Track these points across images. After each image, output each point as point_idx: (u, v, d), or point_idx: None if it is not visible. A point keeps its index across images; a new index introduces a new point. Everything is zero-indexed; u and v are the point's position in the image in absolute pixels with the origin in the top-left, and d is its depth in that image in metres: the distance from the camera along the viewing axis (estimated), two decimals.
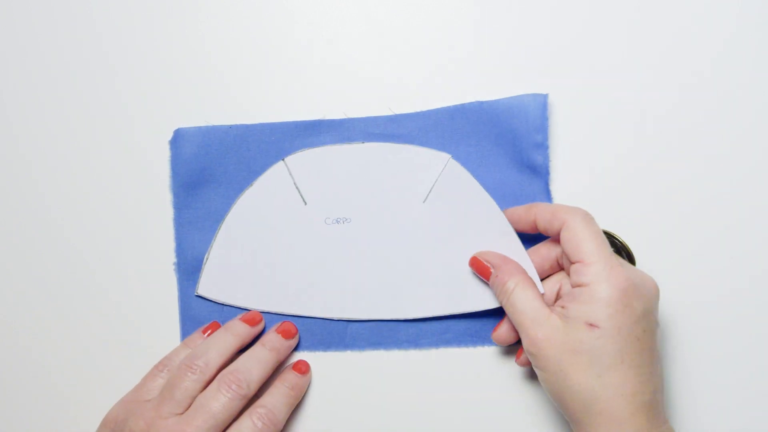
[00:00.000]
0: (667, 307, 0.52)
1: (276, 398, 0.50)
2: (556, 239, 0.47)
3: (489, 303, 0.51)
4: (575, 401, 0.44)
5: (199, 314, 0.53)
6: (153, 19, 0.55)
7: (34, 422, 0.54)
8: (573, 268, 0.45)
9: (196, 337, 0.52)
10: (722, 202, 0.52)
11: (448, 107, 0.53)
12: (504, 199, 0.52)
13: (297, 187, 0.53)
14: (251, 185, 0.53)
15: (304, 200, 0.53)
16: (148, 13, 0.55)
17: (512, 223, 0.50)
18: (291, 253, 0.53)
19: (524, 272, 0.48)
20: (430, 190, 0.52)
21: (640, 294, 0.44)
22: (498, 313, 0.51)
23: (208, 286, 0.53)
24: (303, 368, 0.52)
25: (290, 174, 0.53)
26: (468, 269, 0.52)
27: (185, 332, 0.54)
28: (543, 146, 0.51)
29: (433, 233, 0.52)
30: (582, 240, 0.45)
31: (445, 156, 0.52)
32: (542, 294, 0.48)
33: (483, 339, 0.52)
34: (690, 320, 0.52)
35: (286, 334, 0.52)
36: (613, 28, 0.53)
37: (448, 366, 0.53)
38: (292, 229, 0.53)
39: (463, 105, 0.52)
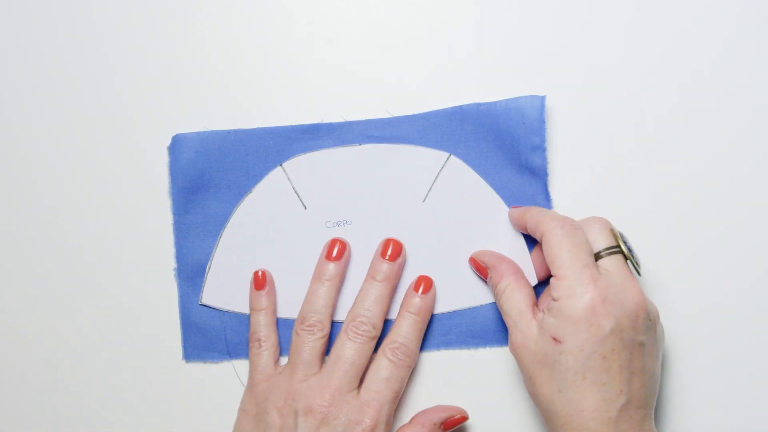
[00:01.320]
0: (667, 307, 0.52)
1: (404, 329, 0.51)
2: None
3: (492, 296, 0.51)
4: (541, 410, 0.46)
5: (200, 319, 0.54)
6: (150, 21, 0.55)
7: (35, 427, 0.55)
8: (551, 281, 0.45)
9: (256, 296, 0.52)
10: (722, 202, 0.52)
11: (446, 109, 0.52)
12: (504, 200, 0.52)
13: (296, 192, 0.53)
14: (250, 192, 0.53)
15: (303, 205, 0.53)
16: (145, 15, 0.55)
17: (512, 222, 0.51)
18: (293, 258, 0.53)
19: (518, 272, 0.49)
20: (430, 189, 0.52)
21: (610, 312, 0.43)
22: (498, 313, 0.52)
23: (211, 294, 0.53)
24: (425, 287, 0.52)
25: (288, 179, 0.53)
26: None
27: (186, 336, 0.54)
28: (541, 148, 0.51)
29: (434, 232, 0.52)
30: (555, 255, 0.45)
31: (444, 154, 0.52)
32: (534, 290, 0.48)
33: (484, 341, 0.53)
34: (690, 320, 0.52)
35: (394, 255, 0.52)
36: (613, 28, 0.53)
37: (448, 368, 0.53)
38: (293, 234, 0.53)
39: (461, 107, 0.52)
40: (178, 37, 0.54)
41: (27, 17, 0.55)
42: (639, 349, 0.44)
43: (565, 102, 0.53)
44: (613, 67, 0.53)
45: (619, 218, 0.51)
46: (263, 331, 0.52)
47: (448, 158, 0.52)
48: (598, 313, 0.43)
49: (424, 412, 0.51)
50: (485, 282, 0.52)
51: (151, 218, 0.54)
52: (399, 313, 0.51)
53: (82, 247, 0.55)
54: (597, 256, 0.46)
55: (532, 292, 0.48)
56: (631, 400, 0.43)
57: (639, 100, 0.52)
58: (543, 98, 0.51)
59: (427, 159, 0.52)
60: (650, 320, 0.45)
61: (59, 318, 0.55)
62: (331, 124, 0.53)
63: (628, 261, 0.46)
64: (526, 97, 0.51)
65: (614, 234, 0.46)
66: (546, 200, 0.52)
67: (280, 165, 0.53)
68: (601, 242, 0.46)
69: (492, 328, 0.52)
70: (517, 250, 0.52)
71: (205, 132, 0.53)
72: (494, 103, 0.52)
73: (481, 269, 0.51)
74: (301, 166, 0.53)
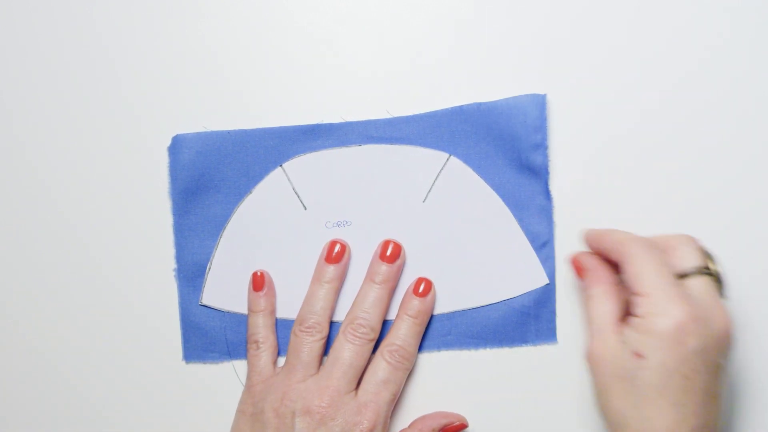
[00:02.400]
0: None
1: (403, 331, 0.51)
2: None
3: (493, 297, 0.52)
4: (611, 423, 0.44)
5: (200, 320, 0.54)
6: (150, 22, 0.54)
7: (35, 427, 0.55)
8: (633, 299, 0.44)
9: (254, 298, 0.52)
10: (724, 199, 0.52)
11: (447, 109, 0.52)
12: (504, 199, 0.52)
13: (296, 193, 0.53)
14: (250, 192, 0.53)
15: (303, 205, 0.53)
16: (146, 16, 0.55)
17: (587, 244, 0.49)
18: (293, 259, 0.53)
19: (614, 283, 0.48)
20: (430, 190, 0.52)
21: (698, 331, 0.42)
22: (500, 313, 0.52)
23: (212, 295, 0.54)
24: (424, 290, 0.52)
25: (288, 180, 0.53)
26: (470, 265, 0.52)
27: (186, 338, 0.54)
28: (542, 146, 0.51)
29: (434, 232, 0.52)
30: (640, 272, 0.44)
31: (443, 155, 0.52)
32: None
33: (484, 342, 0.52)
34: None
35: (393, 257, 0.52)
36: (613, 26, 0.53)
37: (447, 369, 0.53)
38: (293, 234, 0.53)
39: (461, 107, 0.52)
40: (177, 37, 0.54)
41: (26, 17, 0.55)
42: (719, 373, 0.43)
43: (565, 100, 0.52)
44: (612, 65, 0.52)
45: (620, 216, 0.52)
46: (261, 332, 0.52)
47: (448, 159, 0.52)
48: (687, 331, 0.42)
49: (423, 417, 0.51)
50: (485, 278, 0.51)
51: (152, 219, 0.54)
52: (398, 314, 0.51)
53: (83, 248, 0.55)
54: (685, 275, 0.45)
55: (622, 306, 0.47)
56: (704, 424, 0.43)
57: (639, 99, 0.52)
58: (544, 96, 0.51)
59: (427, 160, 0.52)
60: (733, 346, 0.44)
61: (59, 319, 0.55)
62: (331, 125, 0.53)
63: (717, 283, 0.45)
64: (526, 95, 0.51)
65: (705, 254, 0.46)
66: (547, 199, 0.52)
67: (280, 165, 0.53)
68: (692, 261, 0.45)
69: (491, 329, 0.52)
70: (517, 249, 0.52)
71: (205, 132, 0.53)
72: (495, 102, 0.52)
73: (580, 270, 0.49)
74: (301, 166, 0.53)
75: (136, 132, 0.54)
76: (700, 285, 0.44)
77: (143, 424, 0.54)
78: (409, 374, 0.52)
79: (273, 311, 0.53)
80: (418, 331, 0.51)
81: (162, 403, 0.54)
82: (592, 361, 0.45)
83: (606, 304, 0.46)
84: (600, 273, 0.48)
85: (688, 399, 0.42)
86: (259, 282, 0.53)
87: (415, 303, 0.51)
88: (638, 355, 0.43)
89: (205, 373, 0.54)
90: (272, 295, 0.53)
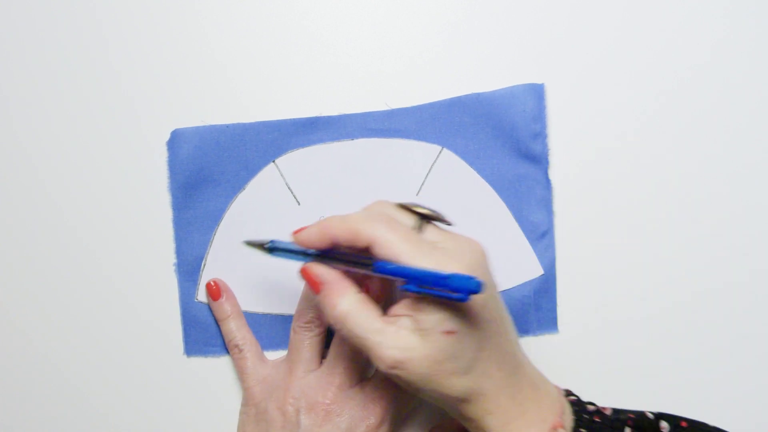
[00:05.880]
0: (662, 301, 0.52)
1: None
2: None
3: None
4: (466, 400, 0.42)
5: (200, 314, 0.54)
6: (148, 18, 0.55)
7: (36, 421, 0.56)
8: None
9: (217, 306, 0.53)
10: (723, 190, 0.52)
11: (445, 100, 0.52)
12: (503, 190, 0.52)
13: (289, 188, 0.53)
14: (243, 189, 0.54)
15: (297, 200, 0.53)
16: (143, 13, 0.55)
17: (304, 245, 0.44)
18: None
19: (356, 283, 0.44)
20: (423, 183, 0.52)
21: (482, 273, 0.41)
22: None
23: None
24: None
25: (281, 175, 0.53)
26: None
27: (187, 331, 0.54)
28: (542, 135, 0.51)
29: None
30: (398, 255, 0.41)
31: (436, 147, 0.52)
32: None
33: None
34: (686, 316, 0.52)
35: None
36: (611, 15, 0.52)
37: None
38: (287, 229, 0.53)
39: (459, 97, 0.52)
40: (176, 32, 0.55)
41: (24, 14, 0.56)
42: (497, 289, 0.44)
43: (563, 90, 0.52)
44: (610, 54, 0.52)
45: (619, 204, 0.52)
46: (238, 335, 0.52)
47: (440, 152, 0.52)
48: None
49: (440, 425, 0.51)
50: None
51: (151, 213, 0.54)
52: None
53: (83, 243, 0.55)
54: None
55: (376, 310, 0.43)
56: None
57: (637, 87, 0.52)
58: (542, 86, 0.51)
59: (420, 153, 0.52)
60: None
61: (59, 314, 0.55)
62: (329, 117, 0.53)
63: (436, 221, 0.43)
64: (525, 85, 0.51)
65: (406, 207, 0.43)
66: (546, 188, 0.52)
67: (273, 161, 0.53)
68: (410, 219, 0.43)
69: None
70: (511, 240, 0.52)
71: (203, 127, 0.54)
72: (493, 93, 0.52)
73: (316, 284, 0.44)
74: (293, 161, 0.53)
75: (135, 127, 0.55)
76: (431, 235, 0.42)
77: (145, 418, 0.55)
78: None
79: (239, 312, 0.53)
80: None
81: (163, 397, 0.55)
82: (402, 368, 0.40)
83: (368, 309, 0.42)
84: (342, 281, 0.43)
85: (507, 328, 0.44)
86: (215, 292, 0.53)
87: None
88: (449, 333, 0.40)
89: (206, 367, 0.54)
90: (232, 296, 0.53)
